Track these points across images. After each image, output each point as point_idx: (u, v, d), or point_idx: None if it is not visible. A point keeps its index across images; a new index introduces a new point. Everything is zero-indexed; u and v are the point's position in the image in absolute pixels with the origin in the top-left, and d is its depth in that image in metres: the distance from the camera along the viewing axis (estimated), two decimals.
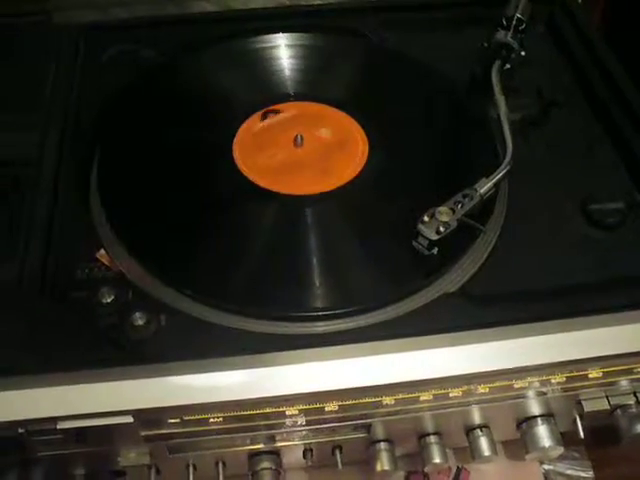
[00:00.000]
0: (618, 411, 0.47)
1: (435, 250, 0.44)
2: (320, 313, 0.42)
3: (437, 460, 0.45)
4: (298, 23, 0.59)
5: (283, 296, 0.43)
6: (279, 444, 0.44)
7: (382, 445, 0.46)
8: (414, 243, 0.45)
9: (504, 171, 0.47)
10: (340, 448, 0.46)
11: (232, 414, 0.41)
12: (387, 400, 0.42)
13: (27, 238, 0.45)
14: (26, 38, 0.59)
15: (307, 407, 0.41)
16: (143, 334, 0.41)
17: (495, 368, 0.41)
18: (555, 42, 0.61)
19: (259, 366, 0.40)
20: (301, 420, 0.42)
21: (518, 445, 0.48)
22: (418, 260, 0.44)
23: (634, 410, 0.46)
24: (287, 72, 0.56)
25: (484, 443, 0.46)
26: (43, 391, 0.39)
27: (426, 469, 0.46)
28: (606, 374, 0.43)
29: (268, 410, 0.41)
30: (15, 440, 0.39)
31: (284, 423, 0.42)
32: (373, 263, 0.46)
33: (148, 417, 0.40)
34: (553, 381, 0.43)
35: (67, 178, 0.49)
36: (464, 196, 0.46)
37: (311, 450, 0.46)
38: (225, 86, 0.56)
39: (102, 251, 0.45)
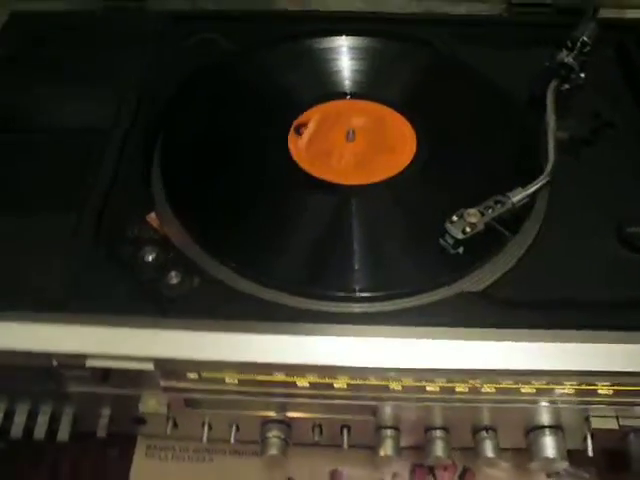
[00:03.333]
0: (631, 435, 0.47)
1: (460, 249, 0.46)
2: (350, 294, 0.45)
3: (439, 454, 0.47)
4: (366, 28, 0.62)
5: (317, 274, 0.46)
6: (290, 414, 0.47)
7: (388, 432, 0.47)
8: (441, 241, 0.47)
9: (540, 183, 0.48)
10: (348, 428, 0.48)
11: (248, 377, 0.44)
12: (394, 385, 0.44)
13: (89, 194, 0.50)
14: (121, 21, 0.65)
15: (319, 380, 0.44)
16: (177, 292, 0.45)
17: (501, 367, 0.42)
18: (621, 67, 0.61)
19: (282, 333, 0.43)
20: (312, 392, 0.44)
21: (526, 457, 0.49)
22: (444, 258, 0.46)
23: None
24: (347, 72, 0.59)
25: (489, 445, 0.47)
26: (79, 329, 0.43)
27: (428, 461, 0.47)
28: (616, 392, 0.44)
29: (282, 378, 0.43)
30: (49, 372, 0.44)
31: (296, 393, 0.45)
32: (403, 255, 0.48)
33: (168, 367, 0.43)
34: (561, 391, 0.44)
35: (134, 146, 0.54)
36: (496, 202, 0.47)
37: (320, 426, 0.48)
38: (289, 81, 0.60)
39: (152, 214, 0.49)
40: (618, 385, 0.43)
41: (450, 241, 0.46)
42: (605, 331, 0.43)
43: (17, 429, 0.48)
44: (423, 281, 0.46)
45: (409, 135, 0.54)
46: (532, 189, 0.48)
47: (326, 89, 0.58)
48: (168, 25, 0.64)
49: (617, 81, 0.60)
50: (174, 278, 0.45)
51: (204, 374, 0.44)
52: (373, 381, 0.43)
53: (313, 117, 0.55)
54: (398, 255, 0.48)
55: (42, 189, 0.51)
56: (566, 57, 0.56)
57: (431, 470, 0.52)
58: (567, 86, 0.57)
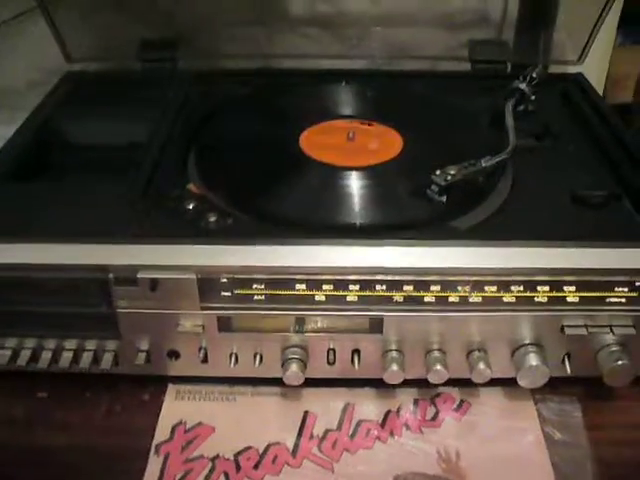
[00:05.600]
0: (601, 352, 0.54)
1: (444, 198, 0.57)
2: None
3: (438, 367, 0.54)
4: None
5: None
6: (308, 334, 0.54)
7: (394, 353, 0.55)
8: (428, 191, 0.57)
9: (504, 156, 0.60)
10: (359, 353, 0.55)
11: (273, 292, 0.52)
12: (397, 296, 0.52)
13: (139, 176, 0.61)
14: (155, 75, 0.80)
15: (333, 293, 0.52)
16: (214, 226, 0.55)
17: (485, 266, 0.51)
18: (565, 106, 0.75)
19: (301, 244, 0.52)
20: (328, 306, 0.52)
21: (516, 389, 0.56)
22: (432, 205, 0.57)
23: (613, 346, 0.54)
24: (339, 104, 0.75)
25: (481, 361, 0.54)
26: (132, 247, 0.52)
27: (428, 377, 0.54)
28: (582, 300, 0.52)
29: (302, 290, 0.52)
30: (104, 287, 0.52)
31: (313, 307, 0.52)
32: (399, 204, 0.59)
33: (206, 278, 0.51)
34: (537, 299, 0.52)
35: (176, 146, 0.66)
36: (470, 164, 0.59)
37: (334, 351, 0.55)
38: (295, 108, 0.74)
39: (191, 184, 0.60)
40: (584, 290, 0.52)
41: (435, 189, 0.57)
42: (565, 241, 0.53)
43: (65, 359, 0.55)
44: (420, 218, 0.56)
45: (397, 138, 0.66)
46: (498, 159, 0.60)
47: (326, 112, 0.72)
48: (197, 78, 0.79)
49: (563, 115, 0.74)
50: (212, 217, 0.55)
51: (236, 290, 0.52)
52: (379, 292, 0.52)
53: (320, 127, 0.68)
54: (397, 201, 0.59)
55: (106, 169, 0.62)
56: (520, 84, 0.71)
57: (432, 401, 0.58)
58: (522, 107, 0.71)
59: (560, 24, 0.80)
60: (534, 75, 0.72)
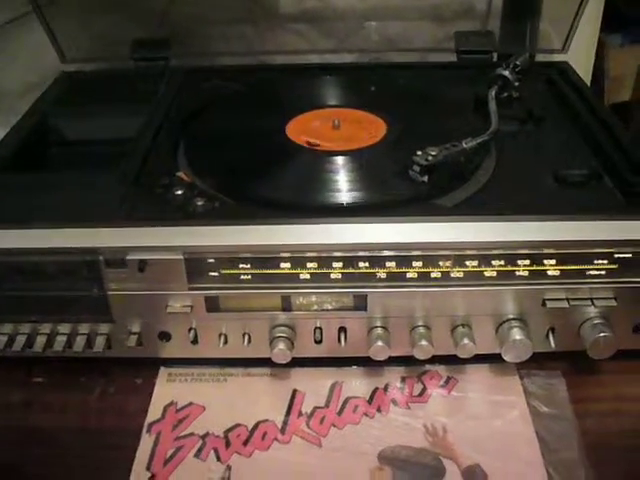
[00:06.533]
0: (584, 325, 0.55)
1: (425, 178, 0.58)
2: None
3: (423, 342, 0.55)
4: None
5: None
6: (294, 313, 0.55)
7: (379, 330, 0.56)
8: (410, 172, 0.58)
9: (485, 138, 0.61)
10: (345, 331, 0.56)
11: (259, 271, 0.53)
12: (380, 273, 0.53)
13: (130, 165, 0.62)
14: (150, 73, 0.81)
15: (318, 271, 0.53)
16: (202, 209, 0.56)
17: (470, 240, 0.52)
18: (550, 93, 0.76)
19: (285, 224, 0.53)
20: (313, 284, 0.54)
21: (502, 365, 0.58)
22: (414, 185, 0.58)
23: (595, 319, 0.55)
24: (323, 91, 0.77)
25: (465, 336, 0.55)
26: (121, 230, 0.53)
27: (414, 352, 0.55)
28: (562, 273, 0.53)
29: (287, 268, 0.53)
30: (95, 268, 0.53)
31: (299, 286, 0.54)
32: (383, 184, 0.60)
33: (194, 258, 0.53)
34: (518, 274, 0.53)
35: (167, 137, 0.68)
36: (452, 145, 0.60)
37: (320, 329, 0.56)
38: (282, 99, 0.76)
39: (181, 172, 0.61)
40: (564, 264, 0.53)
41: (417, 169, 0.58)
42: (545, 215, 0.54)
43: (59, 343, 0.56)
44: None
45: (380, 124, 0.68)
46: (479, 140, 0.61)
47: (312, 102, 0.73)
48: (188, 75, 0.80)
49: (547, 100, 0.75)
50: (200, 201, 0.56)
51: (223, 270, 0.53)
52: (362, 269, 0.53)
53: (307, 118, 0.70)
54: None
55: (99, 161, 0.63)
56: (503, 70, 0.72)
57: (419, 378, 0.58)
58: (505, 94, 0.72)
59: (544, 14, 0.82)
60: (517, 62, 0.73)
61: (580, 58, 0.88)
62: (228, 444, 0.53)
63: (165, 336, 0.57)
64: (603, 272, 0.54)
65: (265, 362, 0.58)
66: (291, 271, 0.53)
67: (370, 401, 0.56)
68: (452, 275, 0.53)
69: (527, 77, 0.73)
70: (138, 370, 0.60)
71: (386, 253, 0.52)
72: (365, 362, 0.58)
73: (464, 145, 0.60)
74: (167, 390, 0.58)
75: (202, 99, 0.75)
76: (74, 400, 0.58)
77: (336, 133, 0.67)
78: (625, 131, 0.66)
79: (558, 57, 0.81)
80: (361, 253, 0.52)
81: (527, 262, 0.53)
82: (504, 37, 0.85)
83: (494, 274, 0.54)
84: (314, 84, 0.78)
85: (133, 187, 0.59)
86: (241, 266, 0.53)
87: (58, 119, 0.73)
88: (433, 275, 0.54)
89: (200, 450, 0.53)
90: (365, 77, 0.79)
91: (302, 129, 0.67)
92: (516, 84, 0.72)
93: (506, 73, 0.72)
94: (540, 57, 0.82)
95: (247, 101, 0.76)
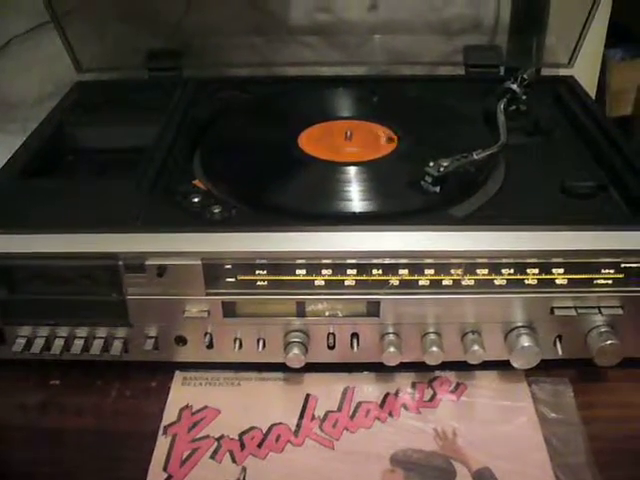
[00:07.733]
0: (590, 333, 0.57)
1: (437, 188, 0.59)
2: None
3: (434, 348, 0.56)
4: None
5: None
6: (308, 319, 0.57)
7: (391, 336, 0.57)
8: (422, 182, 0.60)
9: (494, 150, 0.63)
10: (357, 337, 0.58)
11: (275, 278, 0.54)
12: (393, 280, 0.55)
13: (147, 173, 0.63)
14: (163, 83, 0.83)
15: (332, 278, 0.54)
16: (219, 217, 0.57)
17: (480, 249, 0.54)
18: (557, 106, 0.78)
19: (301, 231, 0.55)
20: (327, 291, 0.55)
21: (510, 372, 0.59)
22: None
23: (602, 327, 0.56)
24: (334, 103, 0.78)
25: (475, 343, 0.56)
26: (140, 236, 0.55)
27: (425, 358, 0.56)
28: (570, 282, 0.55)
29: (302, 275, 0.54)
30: (114, 273, 0.54)
31: (314, 292, 0.55)
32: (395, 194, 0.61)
33: (211, 264, 0.54)
34: (527, 282, 0.55)
35: (182, 146, 0.69)
36: (463, 156, 0.61)
37: (333, 335, 0.58)
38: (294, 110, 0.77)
39: (197, 180, 0.63)
40: (572, 272, 0.54)
41: (429, 180, 0.59)
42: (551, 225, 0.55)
43: (77, 347, 0.58)
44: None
45: (393, 138, 0.69)
46: (489, 151, 0.62)
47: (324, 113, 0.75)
48: (201, 85, 0.82)
49: (554, 114, 0.77)
50: (216, 209, 0.58)
51: (240, 276, 0.55)
52: (375, 276, 0.54)
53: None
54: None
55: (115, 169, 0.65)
56: (511, 84, 0.74)
57: (430, 384, 0.60)
58: (513, 107, 0.74)
59: (551, 28, 0.84)
60: (525, 76, 0.75)
61: (585, 72, 0.89)
62: (243, 446, 0.54)
63: (181, 340, 0.58)
64: (610, 281, 0.55)
65: (278, 367, 0.59)
66: (306, 278, 0.55)
67: (382, 406, 0.58)
68: (463, 283, 0.55)
69: (534, 91, 0.75)
70: (153, 374, 0.61)
71: (399, 261, 0.54)
72: (376, 368, 0.59)
73: (475, 156, 0.61)
74: (182, 393, 0.59)
75: (216, 109, 0.77)
76: (90, 403, 0.59)
77: (349, 144, 0.68)
78: (629, 145, 0.67)
79: (564, 71, 0.83)
80: (375, 261, 0.54)
81: (536, 271, 0.54)
82: (511, 51, 0.87)
83: (504, 282, 0.55)
84: (326, 95, 0.79)
85: (150, 194, 0.60)
86: (257, 272, 0.55)
87: (74, 128, 0.74)
88: (444, 283, 0.55)
89: (216, 452, 0.54)
90: (372, 88, 0.80)
91: (315, 139, 0.69)
92: (523, 97, 0.74)
93: (514, 87, 0.74)
94: (546, 71, 0.84)
95: (259, 111, 0.78)
